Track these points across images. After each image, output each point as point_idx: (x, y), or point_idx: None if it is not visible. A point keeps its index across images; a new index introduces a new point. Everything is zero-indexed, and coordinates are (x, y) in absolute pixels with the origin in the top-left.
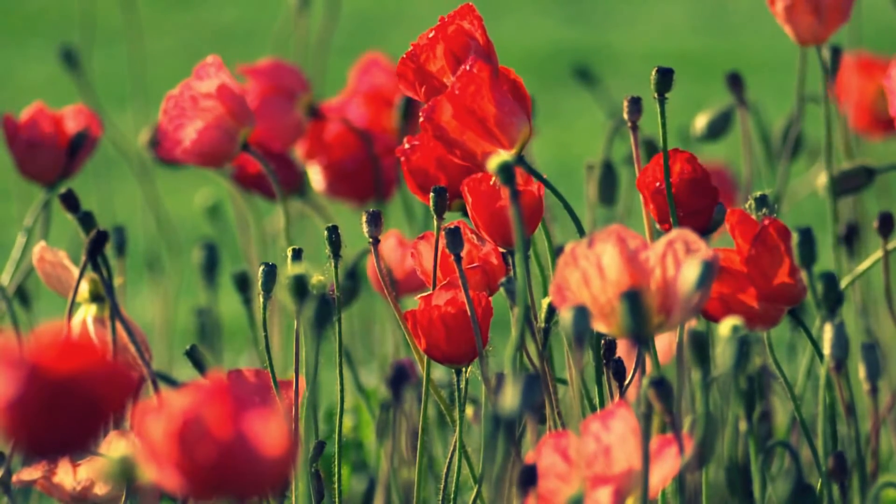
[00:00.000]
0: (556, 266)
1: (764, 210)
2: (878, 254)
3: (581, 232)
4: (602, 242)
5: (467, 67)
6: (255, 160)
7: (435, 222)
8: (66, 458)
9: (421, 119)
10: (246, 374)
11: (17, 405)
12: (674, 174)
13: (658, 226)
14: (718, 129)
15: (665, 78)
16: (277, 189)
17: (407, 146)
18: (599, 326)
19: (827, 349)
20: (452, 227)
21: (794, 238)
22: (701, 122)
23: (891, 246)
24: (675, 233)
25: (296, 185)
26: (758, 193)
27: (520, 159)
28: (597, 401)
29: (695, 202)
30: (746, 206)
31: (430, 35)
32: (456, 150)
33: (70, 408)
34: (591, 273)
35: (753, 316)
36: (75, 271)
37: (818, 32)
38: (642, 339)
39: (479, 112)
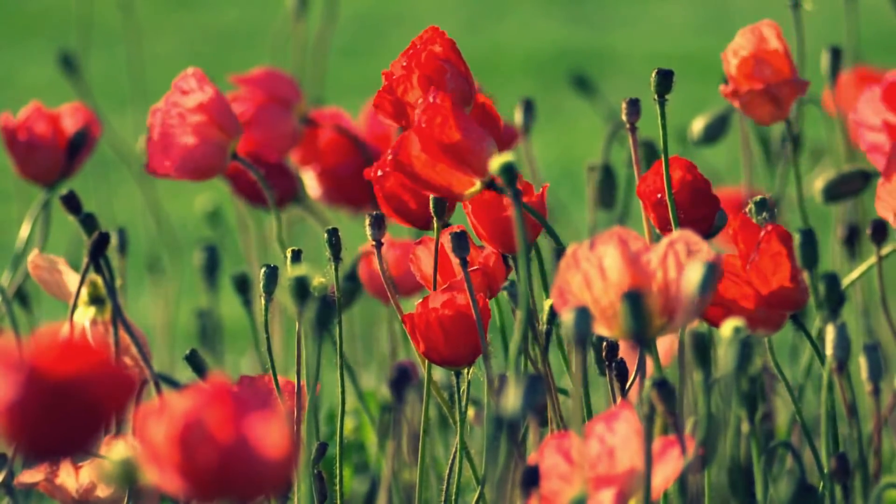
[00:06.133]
0: (554, 269)
1: (764, 214)
2: (873, 260)
3: (558, 240)
4: (604, 244)
5: (431, 99)
6: (248, 170)
7: (435, 224)
8: (66, 460)
9: (389, 158)
10: (256, 380)
11: (17, 408)
12: (675, 182)
13: (659, 233)
14: (715, 133)
15: (665, 80)
16: (270, 197)
17: (379, 173)
18: (601, 329)
19: (829, 350)
20: (458, 230)
21: (796, 240)
22: (697, 126)
23: (885, 251)
24: (676, 234)
25: (292, 193)
26: (758, 197)
27: (491, 184)
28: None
29: (695, 211)
30: (746, 209)
31: (403, 64)
32: (427, 189)
33: (70, 410)
34: (592, 275)
35: (755, 321)
36: (71, 274)
37: (777, 115)
38: (644, 340)
39: (448, 141)
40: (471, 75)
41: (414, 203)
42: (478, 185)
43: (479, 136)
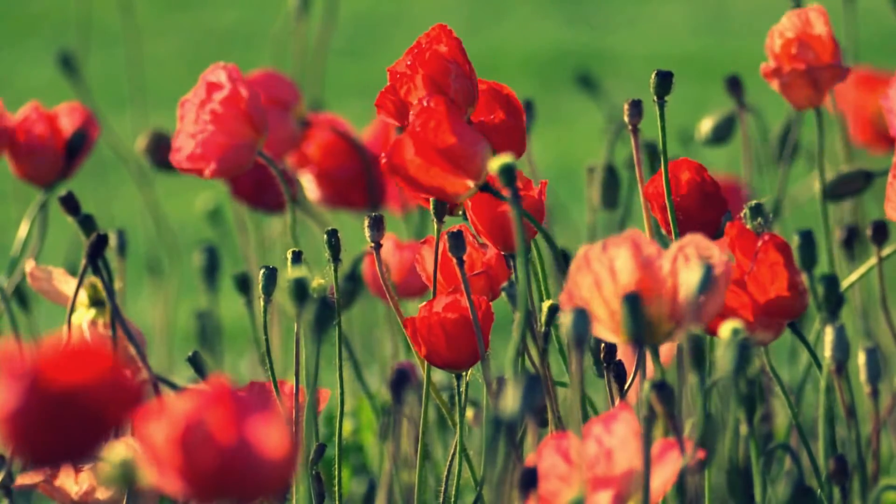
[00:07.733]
0: (551, 269)
1: (759, 220)
2: (873, 261)
3: (551, 243)
4: (616, 247)
5: (424, 103)
6: (268, 165)
7: (435, 226)
8: (68, 466)
9: (383, 162)
10: (265, 385)
11: (19, 416)
12: (683, 185)
13: (665, 234)
14: (723, 133)
15: (664, 81)
16: (287, 193)
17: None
18: (608, 334)
19: (828, 351)
20: (455, 231)
21: (795, 241)
22: (706, 126)
23: (885, 253)
24: (687, 238)
25: (291, 195)
26: (752, 203)
27: (485, 186)
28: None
29: (704, 214)
30: (741, 215)
31: (408, 63)
32: (421, 192)
33: (72, 418)
34: (603, 277)
35: (753, 330)
36: (70, 282)
37: (814, 100)
38: (642, 342)
39: (442, 145)
40: (475, 75)
41: None
42: (472, 187)
43: (473, 139)
